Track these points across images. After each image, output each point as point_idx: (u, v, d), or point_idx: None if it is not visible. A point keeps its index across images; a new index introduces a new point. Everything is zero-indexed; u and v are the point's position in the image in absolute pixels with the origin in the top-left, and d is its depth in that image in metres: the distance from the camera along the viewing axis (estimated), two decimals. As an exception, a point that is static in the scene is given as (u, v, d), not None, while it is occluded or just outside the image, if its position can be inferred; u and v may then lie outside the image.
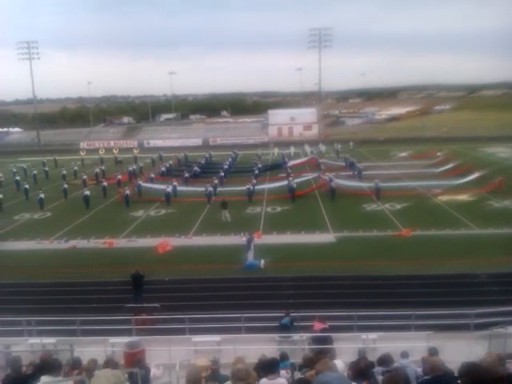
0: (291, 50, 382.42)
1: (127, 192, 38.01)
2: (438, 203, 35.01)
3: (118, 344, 13.00)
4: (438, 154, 55.52)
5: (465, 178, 40.75)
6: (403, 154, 59.63)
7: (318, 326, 14.26)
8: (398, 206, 34.12)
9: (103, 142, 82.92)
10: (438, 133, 77.96)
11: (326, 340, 12.18)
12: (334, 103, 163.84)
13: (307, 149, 64.52)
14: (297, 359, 10.69)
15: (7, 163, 62.29)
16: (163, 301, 18.26)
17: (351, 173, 46.82)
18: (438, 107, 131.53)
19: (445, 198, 36.11)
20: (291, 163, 53.13)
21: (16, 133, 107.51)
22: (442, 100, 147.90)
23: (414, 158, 56.51)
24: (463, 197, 36.23)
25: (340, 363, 7.96)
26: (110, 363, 9.56)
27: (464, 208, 32.84)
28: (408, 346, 10.56)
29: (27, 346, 13.70)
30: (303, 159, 56.00)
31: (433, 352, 9.57)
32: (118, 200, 38.87)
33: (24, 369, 9.52)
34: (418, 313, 15.09)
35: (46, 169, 53.76)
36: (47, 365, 9.57)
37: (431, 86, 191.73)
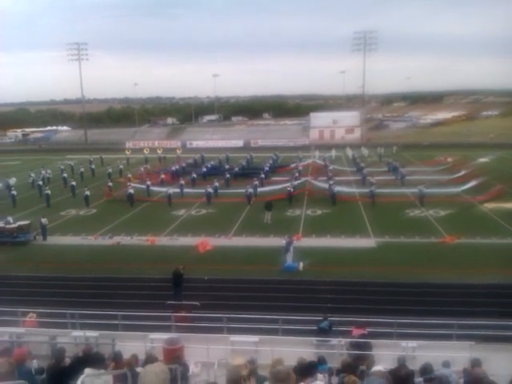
0: (334, 53, 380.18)
1: (170, 192, 38.67)
2: (483, 211, 34.04)
3: (157, 340, 13.20)
4: (449, 160, 54.38)
5: (463, 186, 39.92)
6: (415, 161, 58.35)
7: (356, 331, 14.11)
8: (442, 213, 33.36)
9: (148, 141, 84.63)
10: (485, 139, 75.79)
11: (365, 346, 12.05)
12: (377, 106, 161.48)
13: (349, 152, 63.97)
14: (334, 364, 10.62)
15: (55, 160, 64.43)
16: (202, 299, 18.47)
17: (394, 177, 46.12)
18: (485, 113, 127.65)
19: (491, 205, 35.09)
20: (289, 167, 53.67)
21: (64, 131, 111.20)
22: (490, 105, 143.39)
23: (426, 164, 55.19)
24: (510, 205, 35.11)
25: (381, 369, 7.85)
26: (151, 359, 9.78)
27: (511, 216, 31.79)
28: (449, 356, 10.30)
29: (71, 339, 14.08)
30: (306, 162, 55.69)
31: (476, 363, 9.32)
32: (105, 197, 40.58)
33: (67, 360, 9.81)
34: (460, 322, 14.72)
35: (93, 167, 55.30)
36: (90, 358, 9.88)
37: (478, 91, 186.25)
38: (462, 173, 45.95)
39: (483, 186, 39.91)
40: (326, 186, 40.55)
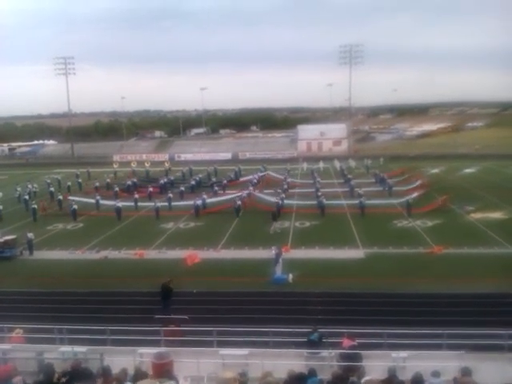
0: (321, 66, 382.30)
1: (158, 205, 38.54)
2: (470, 221, 34.32)
3: (146, 354, 13.07)
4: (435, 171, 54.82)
5: (405, 198, 40.03)
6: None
7: (346, 342, 14.07)
8: (430, 223, 33.56)
9: (135, 155, 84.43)
10: (471, 150, 76.65)
11: (355, 357, 12.03)
12: (364, 119, 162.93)
13: (337, 164, 64.32)
14: (325, 376, 10.57)
15: (42, 175, 63.93)
16: (191, 313, 18.32)
17: (381, 189, 46.45)
18: (470, 124, 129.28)
19: (478, 215, 35.40)
20: (242, 179, 54.10)
21: (51, 145, 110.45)
22: (475, 117, 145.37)
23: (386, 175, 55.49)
24: (497, 215, 35.48)
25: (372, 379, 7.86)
26: (140, 374, 9.69)
27: (497, 226, 32.11)
28: (439, 366, 10.32)
29: (59, 354, 13.89)
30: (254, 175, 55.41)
31: (466, 372, 9.33)
32: (41, 212, 40.30)
33: (56, 376, 9.68)
34: (449, 332, 14.76)
35: (80, 180, 54.94)
36: (79, 373, 9.76)
37: (463, 103, 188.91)
38: (417, 183, 46.37)
39: (428, 197, 40.45)
40: (268, 198, 40.88)
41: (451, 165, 62.06)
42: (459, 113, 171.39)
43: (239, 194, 41.63)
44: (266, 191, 45.09)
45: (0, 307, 20.30)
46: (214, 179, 52.01)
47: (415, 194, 40.78)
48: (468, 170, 58.06)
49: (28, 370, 11.84)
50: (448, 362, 11.59)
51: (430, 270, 24.16)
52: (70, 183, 51.89)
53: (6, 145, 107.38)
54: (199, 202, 39.30)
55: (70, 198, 42.75)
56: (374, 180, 51.93)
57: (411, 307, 19.43)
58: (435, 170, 59.23)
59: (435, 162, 64.48)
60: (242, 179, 54.58)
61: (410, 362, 12.49)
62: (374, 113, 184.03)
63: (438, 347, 14.24)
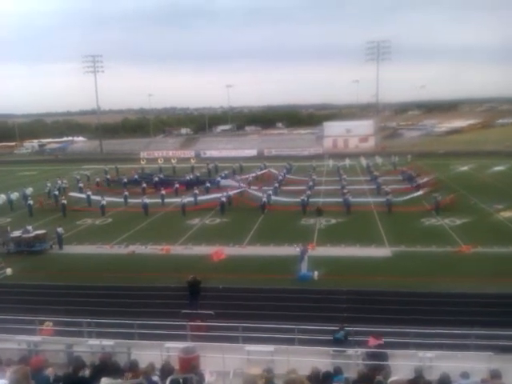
0: (348, 62, 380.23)
1: (184, 201, 38.86)
2: (499, 219, 33.62)
3: (173, 349, 13.21)
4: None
5: (408, 195, 39.84)
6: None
7: (373, 341, 13.98)
8: (458, 222, 33.01)
9: (162, 151, 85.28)
10: (501, 147, 75.05)
11: (382, 356, 11.94)
12: (391, 115, 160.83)
13: (363, 161, 63.71)
14: (351, 374, 10.53)
15: (71, 170, 65.08)
16: (217, 308, 18.46)
17: (409, 186, 45.85)
18: (500, 120, 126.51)
19: (507, 214, 34.64)
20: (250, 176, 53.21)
21: (80, 142, 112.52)
22: (505, 113, 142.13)
23: (394, 172, 55.00)
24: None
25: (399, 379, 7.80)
26: (167, 368, 9.80)
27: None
28: (467, 367, 10.16)
29: (87, 347, 14.14)
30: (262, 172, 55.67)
31: (495, 374, 9.17)
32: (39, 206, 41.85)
33: (86, 369, 9.86)
34: (477, 332, 14.53)
35: (108, 176, 55.75)
36: (107, 367, 9.92)
37: (493, 99, 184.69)
38: (423, 180, 45.66)
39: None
40: (261, 195, 40.33)
41: (481, 162, 60.88)
42: (489, 109, 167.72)
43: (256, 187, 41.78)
44: (265, 188, 44.80)
45: (30, 300, 20.83)
46: (239, 178, 51.93)
47: (418, 193, 40.31)
48: (498, 168, 56.86)
49: (58, 362, 12.09)
50: (476, 364, 11.41)
51: (459, 269, 23.79)
52: (98, 179, 52.75)
53: (36, 141, 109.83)
54: (224, 198, 39.46)
55: (71, 194, 44.09)
56: (401, 177, 51.30)
57: (439, 306, 19.19)
58: (464, 168, 58.16)
59: (464, 160, 63.29)
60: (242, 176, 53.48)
61: (436, 362, 12.34)
62: (401, 109, 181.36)
63: (466, 348, 14.02)
